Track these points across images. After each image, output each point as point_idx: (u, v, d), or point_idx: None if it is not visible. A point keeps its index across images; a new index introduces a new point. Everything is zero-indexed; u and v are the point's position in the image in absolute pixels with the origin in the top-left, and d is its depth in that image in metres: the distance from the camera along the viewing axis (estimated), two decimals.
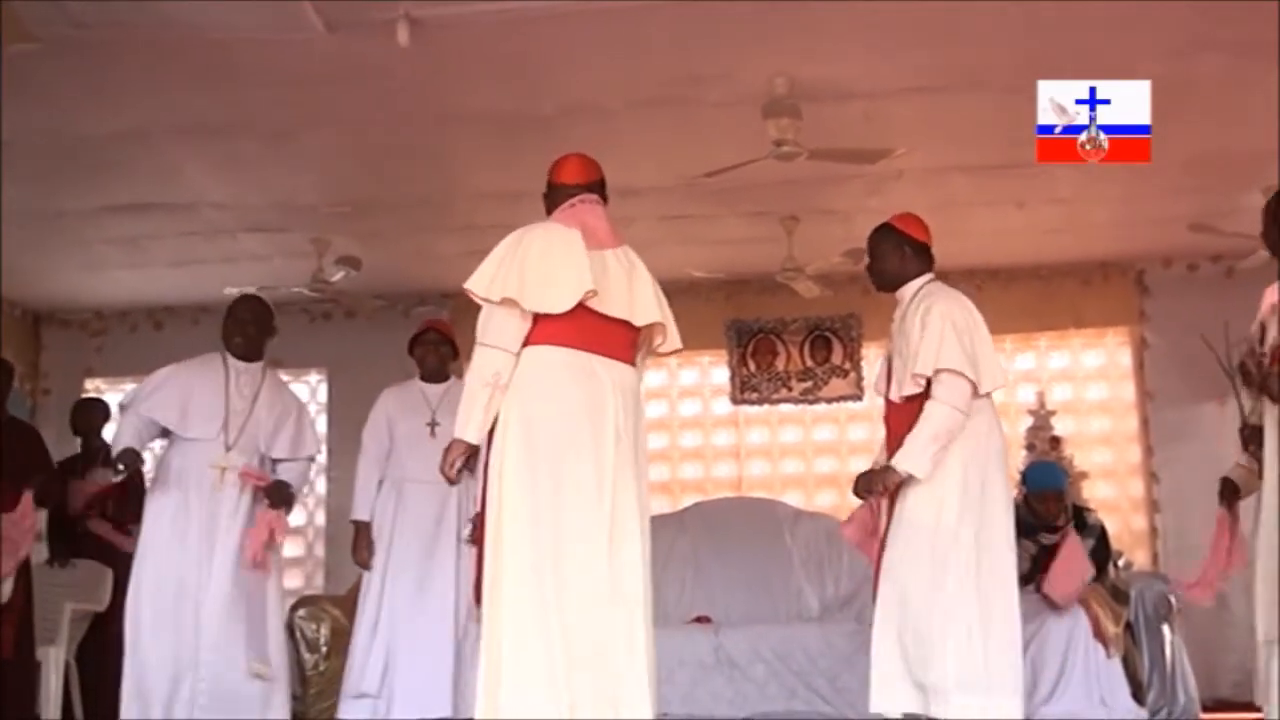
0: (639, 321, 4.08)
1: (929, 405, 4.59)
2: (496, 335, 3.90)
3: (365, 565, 6.11)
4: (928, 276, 4.86)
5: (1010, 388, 9.31)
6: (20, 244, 8.20)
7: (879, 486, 4.69)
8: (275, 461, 5.80)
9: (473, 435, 3.90)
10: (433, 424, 6.09)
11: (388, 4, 5.30)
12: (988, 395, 4.73)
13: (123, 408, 5.74)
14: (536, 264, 3.92)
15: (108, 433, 7.97)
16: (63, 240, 8.50)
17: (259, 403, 5.70)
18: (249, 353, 5.79)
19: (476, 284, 3.95)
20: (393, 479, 6.15)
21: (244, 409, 5.65)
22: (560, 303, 3.90)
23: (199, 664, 5.42)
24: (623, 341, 4.06)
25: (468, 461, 4.00)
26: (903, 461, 4.58)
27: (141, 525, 5.66)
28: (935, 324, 4.63)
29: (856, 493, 4.90)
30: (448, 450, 3.96)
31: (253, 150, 7.06)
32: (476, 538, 5.13)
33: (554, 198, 4.24)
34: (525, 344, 3.92)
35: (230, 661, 5.46)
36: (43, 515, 6.64)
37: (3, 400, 6.52)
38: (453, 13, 5.43)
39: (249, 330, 5.80)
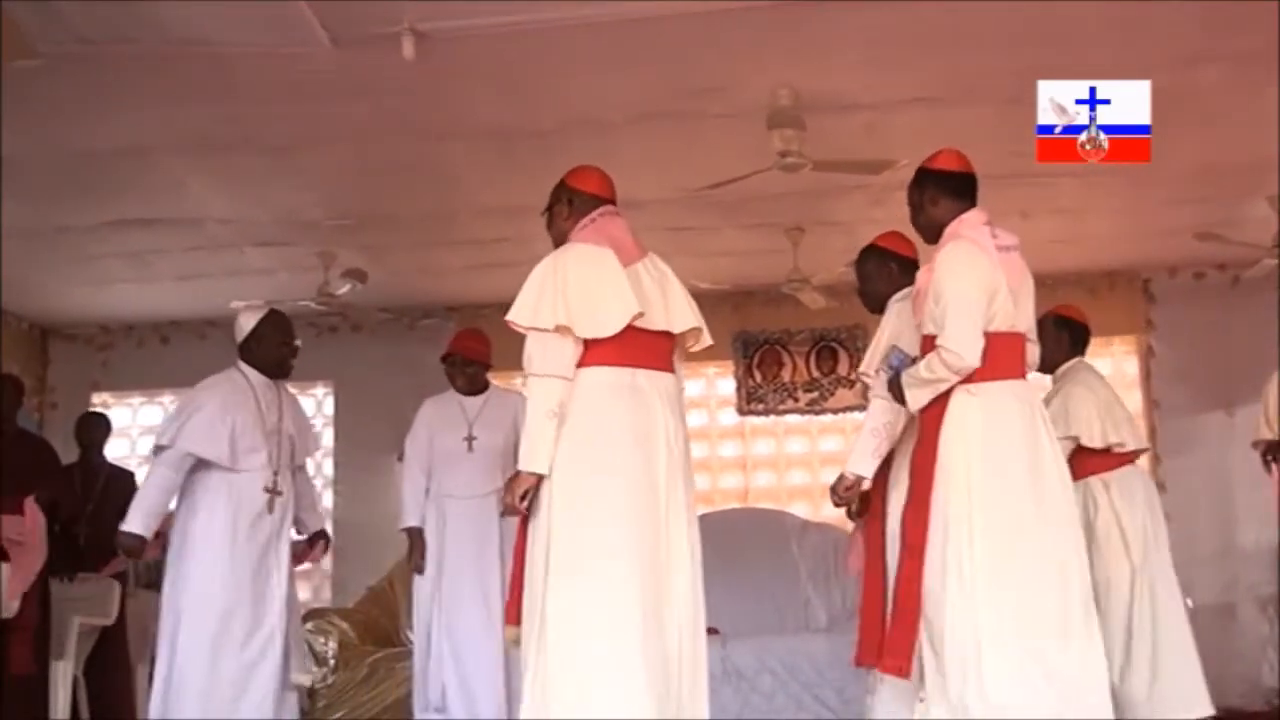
0: (677, 329, 4.12)
1: (870, 402, 4.56)
2: (554, 364, 3.89)
3: (421, 571, 6.11)
4: (909, 289, 4.77)
5: None
6: (26, 258, 8.22)
7: (835, 496, 4.61)
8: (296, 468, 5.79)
9: (541, 466, 3.88)
10: (469, 439, 6.10)
11: (392, 18, 5.31)
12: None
13: (159, 449, 5.43)
14: (578, 289, 3.91)
15: (111, 449, 8.00)
16: (68, 255, 8.51)
17: (285, 419, 5.68)
18: (286, 370, 5.71)
19: (520, 315, 3.94)
20: (433, 494, 6.16)
21: (274, 428, 5.58)
22: (609, 327, 3.91)
23: (251, 681, 5.36)
24: (663, 352, 4.10)
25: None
26: (850, 465, 4.53)
27: (183, 553, 5.45)
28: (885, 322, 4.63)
29: (834, 503, 4.84)
30: (514, 481, 3.94)
31: (257, 165, 7.06)
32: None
33: (576, 205, 4.19)
34: None
35: (274, 676, 5.42)
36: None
37: (13, 414, 6.55)
38: (457, 26, 5.43)
39: (293, 349, 5.72)
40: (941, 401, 4.09)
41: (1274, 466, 5.79)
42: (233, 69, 5.77)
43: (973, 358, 4.01)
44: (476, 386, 6.28)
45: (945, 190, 4.30)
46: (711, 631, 7.65)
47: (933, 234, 4.32)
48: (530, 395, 3.93)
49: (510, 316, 3.95)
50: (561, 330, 3.89)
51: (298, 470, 5.79)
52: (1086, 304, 9.45)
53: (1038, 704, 3.84)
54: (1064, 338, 5.89)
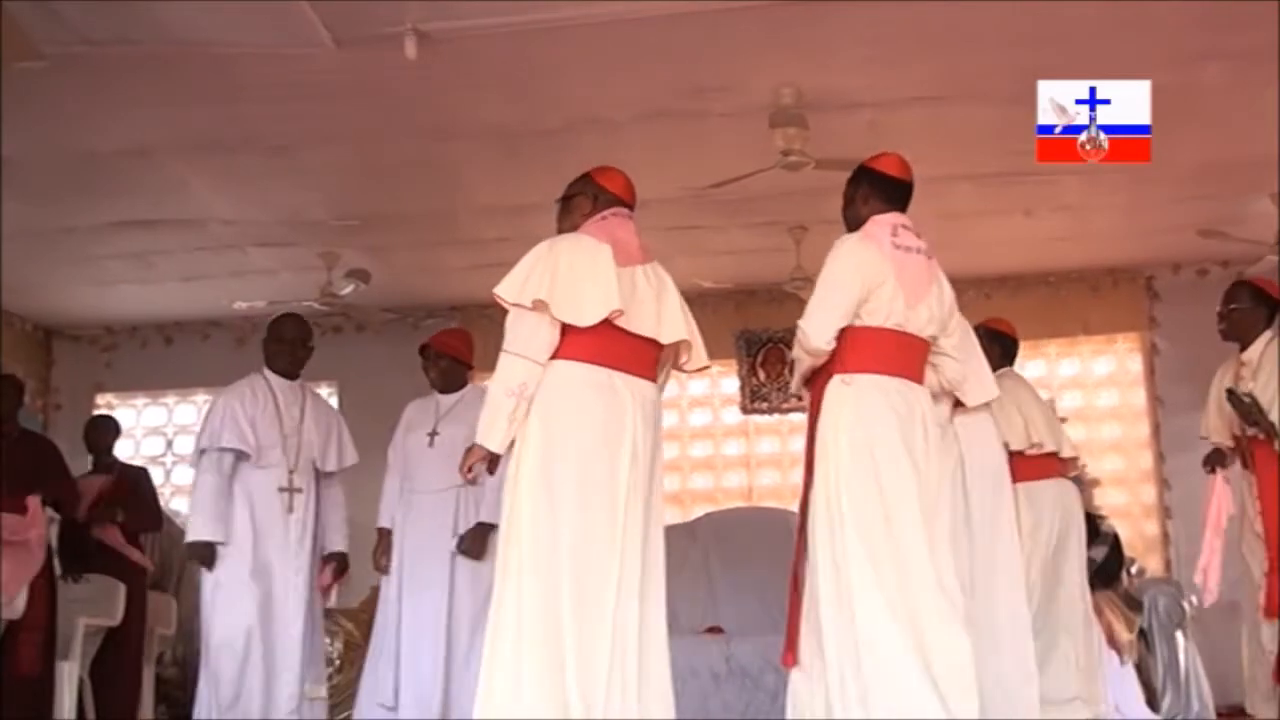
0: (665, 340, 4.05)
1: None
2: (525, 344, 3.83)
3: (382, 570, 6.10)
4: None
5: None
6: (29, 259, 8.23)
7: None
8: (323, 475, 5.88)
9: (494, 444, 3.82)
10: (432, 434, 6.06)
11: (395, 18, 5.32)
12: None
13: (203, 452, 5.70)
14: (566, 273, 3.86)
15: (120, 449, 8.02)
16: (72, 256, 8.53)
17: (306, 420, 5.76)
18: (294, 371, 5.88)
19: (506, 290, 3.88)
20: (403, 491, 6.16)
21: (295, 428, 5.71)
22: (585, 317, 3.85)
23: (273, 688, 5.51)
24: (647, 358, 4.03)
25: (488, 467, 3.92)
26: None
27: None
28: None
29: None
30: (468, 453, 3.89)
31: (260, 165, 7.07)
32: (468, 549, 5.46)
33: (600, 202, 4.14)
34: (550, 357, 3.87)
35: (295, 682, 5.59)
36: (54, 529, 6.65)
37: (13, 414, 6.55)
38: (459, 26, 5.44)
39: (298, 350, 5.89)
40: (821, 390, 4.09)
41: (1218, 472, 5.80)
42: (235, 69, 5.78)
43: (818, 339, 4.02)
44: (450, 383, 6.18)
45: (879, 192, 4.27)
46: (716, 630, 7.74)
47: (853, 229, 4.28)
48: (496, 371, 3.86)
49: (496, 290, 3.90)
50: (539, 308, 3.83)
51: (327, 481, 5.90)
52: (1089, 301, 9.55)
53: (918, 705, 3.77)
54: (994, 350, 5.93)
